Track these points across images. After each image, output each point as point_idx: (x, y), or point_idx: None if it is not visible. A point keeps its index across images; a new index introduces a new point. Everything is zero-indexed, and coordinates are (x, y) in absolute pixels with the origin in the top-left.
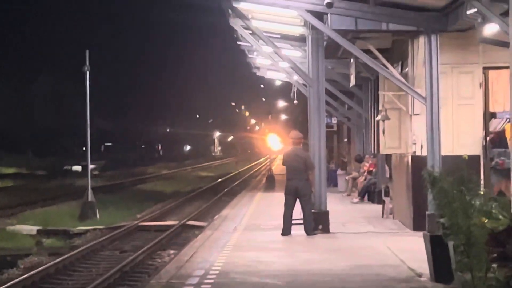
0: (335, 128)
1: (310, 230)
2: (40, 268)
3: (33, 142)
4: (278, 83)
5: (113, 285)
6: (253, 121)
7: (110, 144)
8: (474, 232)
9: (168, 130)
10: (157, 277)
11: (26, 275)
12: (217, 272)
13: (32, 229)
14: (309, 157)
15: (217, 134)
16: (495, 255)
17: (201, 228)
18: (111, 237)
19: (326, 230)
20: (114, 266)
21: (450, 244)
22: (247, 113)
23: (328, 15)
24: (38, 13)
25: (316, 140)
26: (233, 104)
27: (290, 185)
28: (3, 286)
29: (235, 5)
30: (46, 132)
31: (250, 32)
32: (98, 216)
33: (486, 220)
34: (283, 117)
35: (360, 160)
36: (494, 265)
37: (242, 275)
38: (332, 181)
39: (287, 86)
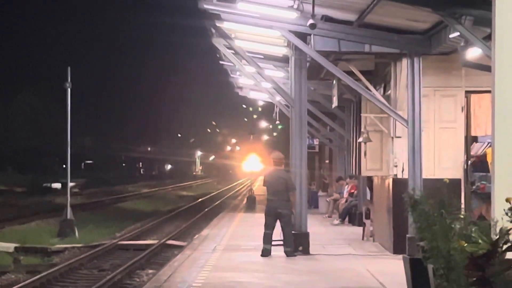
0: (317, 150)
1: (290, 251)
2: (17, 286)
3: (13, 159)
4: (260, 103)
5: None
6: (234, 141)
7: (90, 162)
8: (453, 255)
9: (149, 149)
10: None
11: None
12: None
13: (9, 246)
14: (290, 178)
15: (198, 153)
16: (474, 279)
17: (180, 247)
18: (90, 256)
19: (306, 251)
20: (92, 285)
21: (430, 267)
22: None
23: (312, 36)
24: (19, 29)
25: (298, 161)
26: (214, 123)
27: (271, 206)
28: None
29: (218, 24)
30: (26, 149)
31: (233, 52)
32: (77, 234)
33: (466, 244)
34: (265, 137)
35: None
36: None
37: None
38: (313, 203)
39: (269, 106)
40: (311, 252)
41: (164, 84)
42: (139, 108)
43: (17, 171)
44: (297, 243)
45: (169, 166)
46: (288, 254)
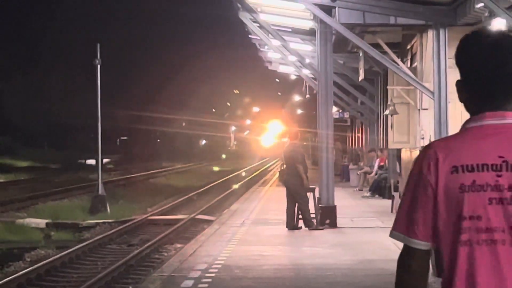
0: (348, 123)
1: (308, 225)
2: (45, 261)
3: (50, 135)
4: (293, 77)
5: (117, 278)
6: (256, 111)
7: (125, 138)
8: None
9: (183, 124)
10: (159, 270)
11: (30, 268)
12: (219, 266)
13: (41, 222)
14: (298, 152)
15: (232, 128)
16: None
17: (210, 222)
18: (120, 231)
19: (333, 224)
20: (120, 259)
21: None
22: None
23: (336, 8)
24: (52, 6)
25: (324, 133)
26: (236, 91)
27: (284, 180)
28: (8, 278)
29: None
30: (62, 125)
31: (259, 25)
32: (108, 209)
33: None
34: (297, 111)
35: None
36: None
37: (244, 269)
38: (345, 176)
39: (301, 80)
40: (339, 225)
41: (197, 60)
42: (172, 84)
43: (54, 147)
44: (324, 216)
45: (203, 142)
46: (308, 227)
